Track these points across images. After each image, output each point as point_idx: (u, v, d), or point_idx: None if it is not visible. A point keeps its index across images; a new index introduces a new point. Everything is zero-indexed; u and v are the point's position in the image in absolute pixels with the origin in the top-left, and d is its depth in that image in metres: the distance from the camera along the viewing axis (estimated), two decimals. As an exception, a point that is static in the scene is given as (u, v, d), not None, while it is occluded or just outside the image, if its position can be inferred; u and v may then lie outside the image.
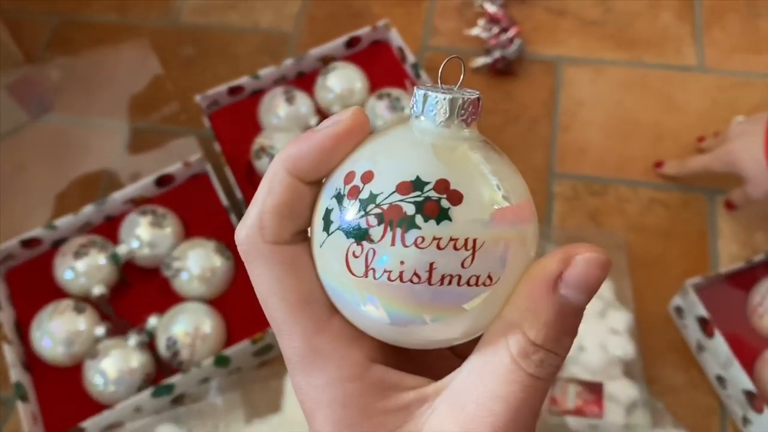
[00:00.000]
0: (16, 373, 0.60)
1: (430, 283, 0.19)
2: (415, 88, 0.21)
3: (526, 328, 0.19)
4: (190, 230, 0.70)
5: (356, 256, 0.19)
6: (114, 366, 0.60)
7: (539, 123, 0.77)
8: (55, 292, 0.65)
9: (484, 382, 0.19)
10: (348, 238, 0.19)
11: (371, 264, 0.19)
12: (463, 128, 0.20)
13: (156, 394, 0.59)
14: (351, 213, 0.19)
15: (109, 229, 0.69)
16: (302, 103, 0.73)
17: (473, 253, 0.19)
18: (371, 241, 0.19)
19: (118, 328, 0.64)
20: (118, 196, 0.69)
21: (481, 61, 0.79)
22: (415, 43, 0.82)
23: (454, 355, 0.25)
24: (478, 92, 0.21)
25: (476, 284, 0.19)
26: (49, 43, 0.87)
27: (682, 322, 0.63)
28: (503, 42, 0.78)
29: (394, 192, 0.19)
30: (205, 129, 0.76)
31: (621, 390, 0.58)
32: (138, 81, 0.83)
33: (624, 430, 0.57)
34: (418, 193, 0.19)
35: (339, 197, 0.20)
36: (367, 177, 0.19)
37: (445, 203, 0.19)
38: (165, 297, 0.66)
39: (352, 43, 0.78)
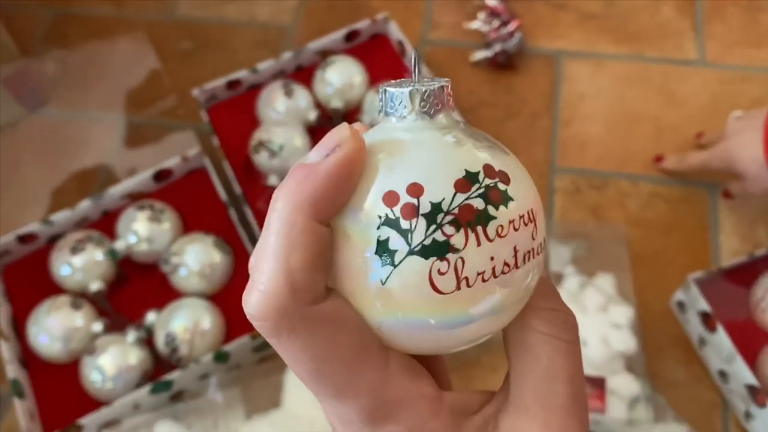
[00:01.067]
0: (12, 370, 0.60)
1: (516, 267, 0.19)
2: (383, 91, 0.20)
3: (537, 302, 0.20)
4: (189, 225, 0.69)
5: (442, 273, 0.18)
6: (112, 362, 0.59)
7: (540, 117, 0.76)
8: (51, 288, 0.65)
9: (534, 372, 0.20)
10: (428, 258, 0.18)
11: (462, 274, 0.18)
12: (449, 114, 0.20)
13: (154, 390, 0.58)
14: (419, 231, 0.18)
15: (106, 224, 0.68)
16: (301, 97, 0.72)
17: (536, 223, 0.19)
18: (455, 250, 0.18)
19: (115, 324, 0.63)
20: (116, 191, 0.69)
21: (481, 54, 0.79)
22: (414, 36, 0.82)
23: None
24: (443, 78, 0.21)
25: (540, 252, 0.19)
26: (44, 36, 0.86)
27: (684, 316, 0.62)
28: (503, 35, 0.77)
29: (456, 193, 0.18)
30: (203, 123, 0.76)
31: (623, 385, 0.58)
32: (135, 75, 0.82)
33: (626, 425, 0.57)
34: (477, 185, 0.18)
35: (390, 222, 0.18)
36: (416, 190, 0.18)
37: (501, 186, 0.19)
38: (163, 292, 0.65)
39: (351, 36, 0.77)
